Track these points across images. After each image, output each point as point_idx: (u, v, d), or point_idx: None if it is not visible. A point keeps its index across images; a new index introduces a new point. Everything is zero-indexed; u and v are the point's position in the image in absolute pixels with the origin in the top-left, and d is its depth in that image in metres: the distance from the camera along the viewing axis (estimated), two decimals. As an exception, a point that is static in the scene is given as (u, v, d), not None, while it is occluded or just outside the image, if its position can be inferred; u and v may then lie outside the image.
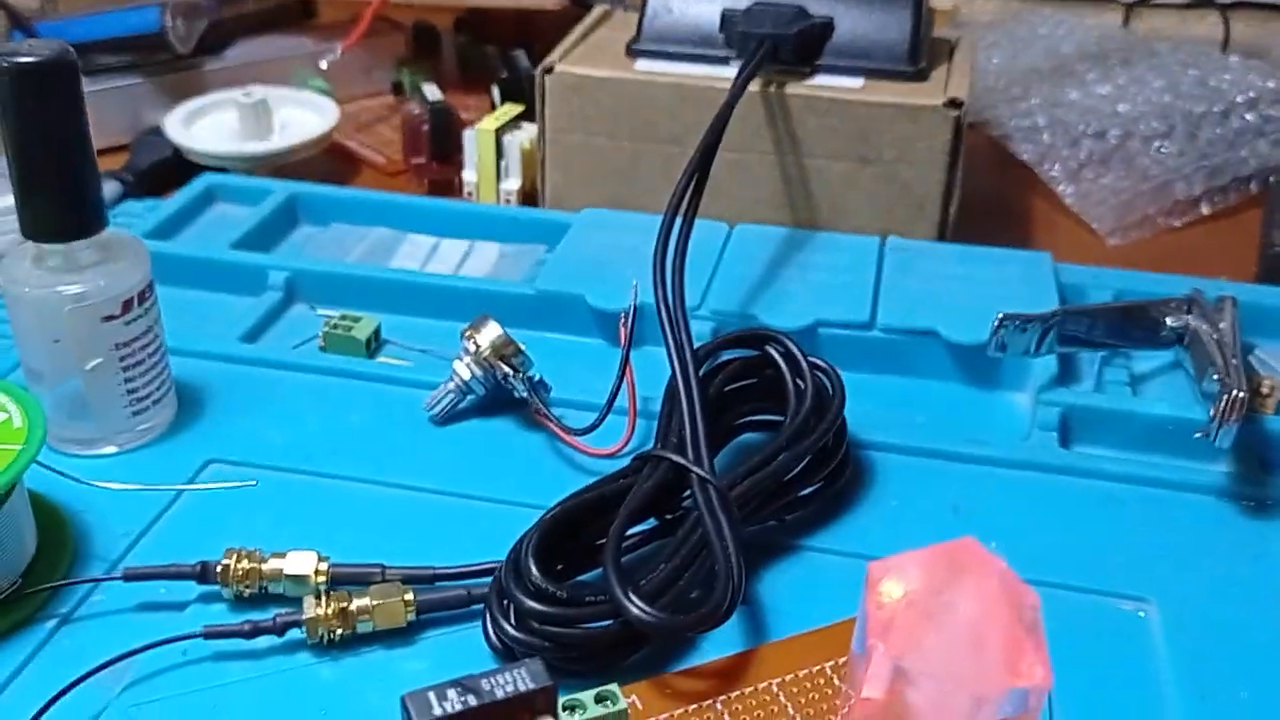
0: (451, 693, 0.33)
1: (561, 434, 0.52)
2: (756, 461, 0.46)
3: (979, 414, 0.55)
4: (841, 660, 0.40)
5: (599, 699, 0.36)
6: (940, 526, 0.48)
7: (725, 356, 0.51)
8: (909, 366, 0.57)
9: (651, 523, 0.46)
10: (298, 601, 0.42)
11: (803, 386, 0.49)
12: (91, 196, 0.48)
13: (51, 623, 0.43)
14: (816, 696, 0.39)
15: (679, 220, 0.55)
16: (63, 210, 0.47)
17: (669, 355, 0.48)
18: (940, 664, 0.27)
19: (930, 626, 0.27)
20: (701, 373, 0.49)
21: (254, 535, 0.45)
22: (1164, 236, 0.75)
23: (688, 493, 0.45)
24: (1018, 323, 0.52)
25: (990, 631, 0.27)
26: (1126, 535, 0.48)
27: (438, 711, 0.32)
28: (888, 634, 0.27)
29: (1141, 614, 0.44)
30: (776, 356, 0.50)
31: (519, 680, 0.33)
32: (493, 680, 0.33)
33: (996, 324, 0.52)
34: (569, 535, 0.43)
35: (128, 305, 0.49)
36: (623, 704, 0.36)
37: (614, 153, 0.68)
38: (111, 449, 0.51)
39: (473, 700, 0.32)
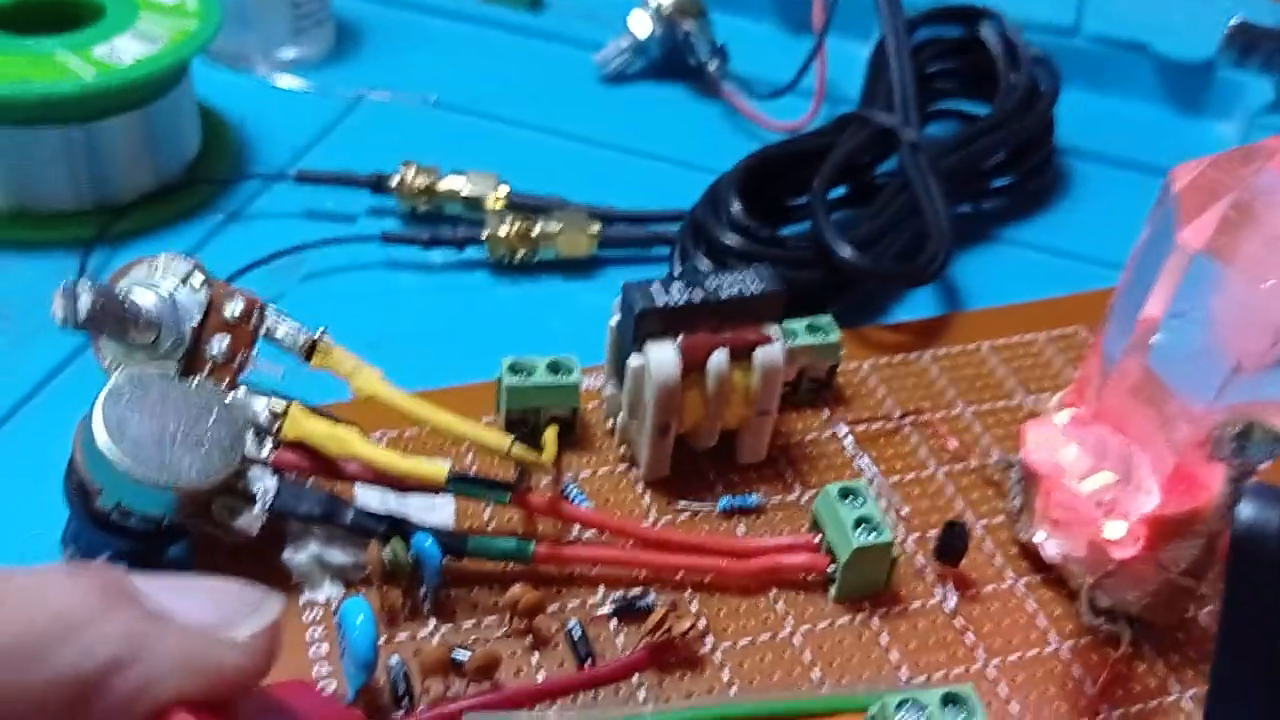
0: (676, 285, 0.31)
1: (741, 102, 0.48)
2: (960, 138, 0.43)
3: (1183, 139, 0.51)
4: (1056, 332, 0.38)
5: (812, 329, 0.34)
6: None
7: (932, 35, 0.47)
8: (1111, 82, 0.53)
9: (843, 191, 0.43)
10: (478, 223, 0.40)
11: (1015, 79, 0.45)
12: None
13: (219, 218, 0.41)
14: (1030, 363, 0.37)
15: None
16: None
17: (881, 14, 0.44)
18: (1258, 263, 0.24)
19: (1251, 224, 0.24)
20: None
21: (425, 161, 0.42)
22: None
23: (882, 168, 0.43)
24: (1252, 34, 0.47)
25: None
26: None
27: (661, 300, 0.30)
28: (1196, 231, 0.24)
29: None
30: (992, 38, 0.46)
31: (748, 282, 0.31)
32: (719, 279, 0.31)
33: (1230, 32, 0.47)
34: (764, 185, 0.41)
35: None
36: (837, 335, 0.34)
37: None
38: (264, 72, 0.48)
39: (698, 294, 0.30)
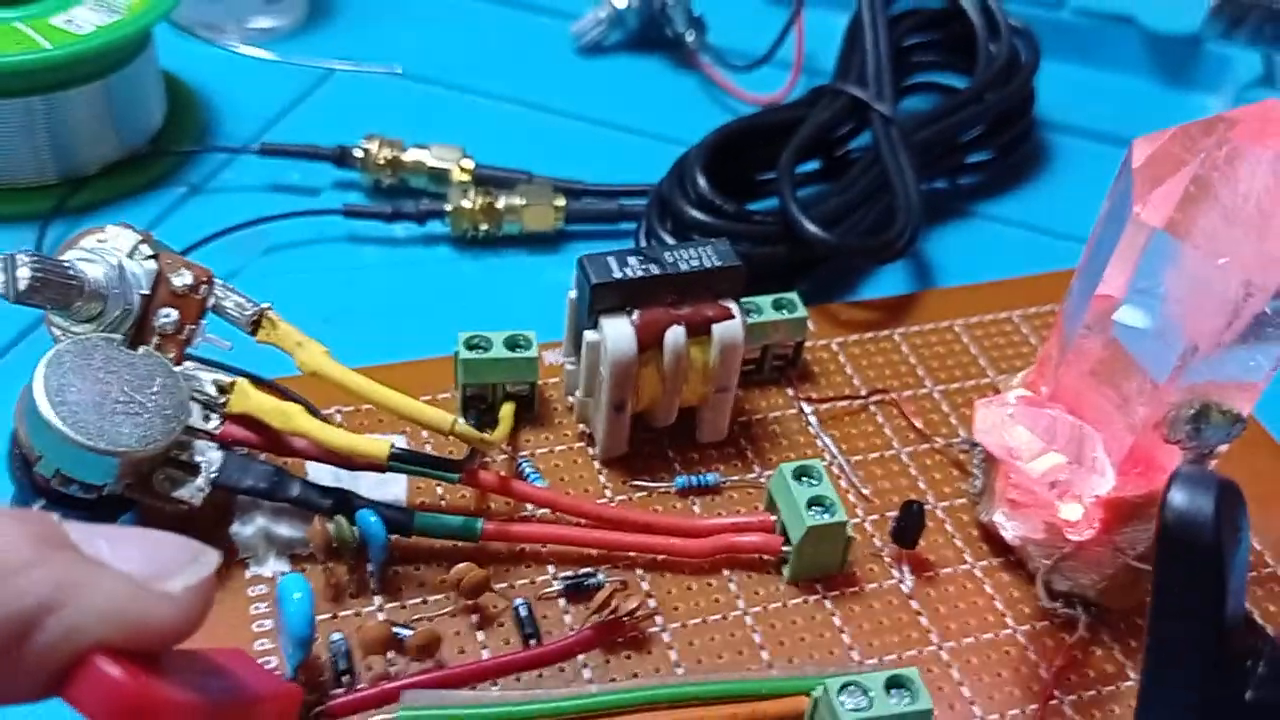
0: (633, 259, 0.30)
1: (717, 74, 0.48)
2: (937, 111, 0.42)
3: (1169, 112, 0.50)
4: (1030, 310, 0.38)
5: (778, 305, 0.34)
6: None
7: (913, 6, 0.46)
8: (1097, 54, 0.52)
9: (815, 166, 0.42)
10: (442, 196, 0.40)
11: (995, 49, 0.44)
12: None
13: (182, 189, 0.41)
14: (1003, 342, 0.37)
15: None
16: None
17: (856, -16, 0.43)
18: (1213, 239, 0.23)
19: (1208, 199, 0.24)
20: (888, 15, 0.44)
21: (393, 133, 0.42)
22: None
23: (855, 143, 0.42)
24: (1239, 6, 0.47)
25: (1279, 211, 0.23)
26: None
27: (617, 274, 0.30)
28: (1153, 206, 0.24)
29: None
30: (972, 9, 0.45)
31: (705, 256, 0.30)
32: (676, 254, 0.30)
33: (1216, 4, 0.46)
34: (733, 159, 0.40)
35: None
36: (803, 312, 0.34)
37: None
38: (235, 41, 0.48)
39: (655, 269, 0.30)
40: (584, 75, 0.49)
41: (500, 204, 0.39)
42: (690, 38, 0.48)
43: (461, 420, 0.28)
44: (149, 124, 0.42)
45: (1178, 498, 0.19)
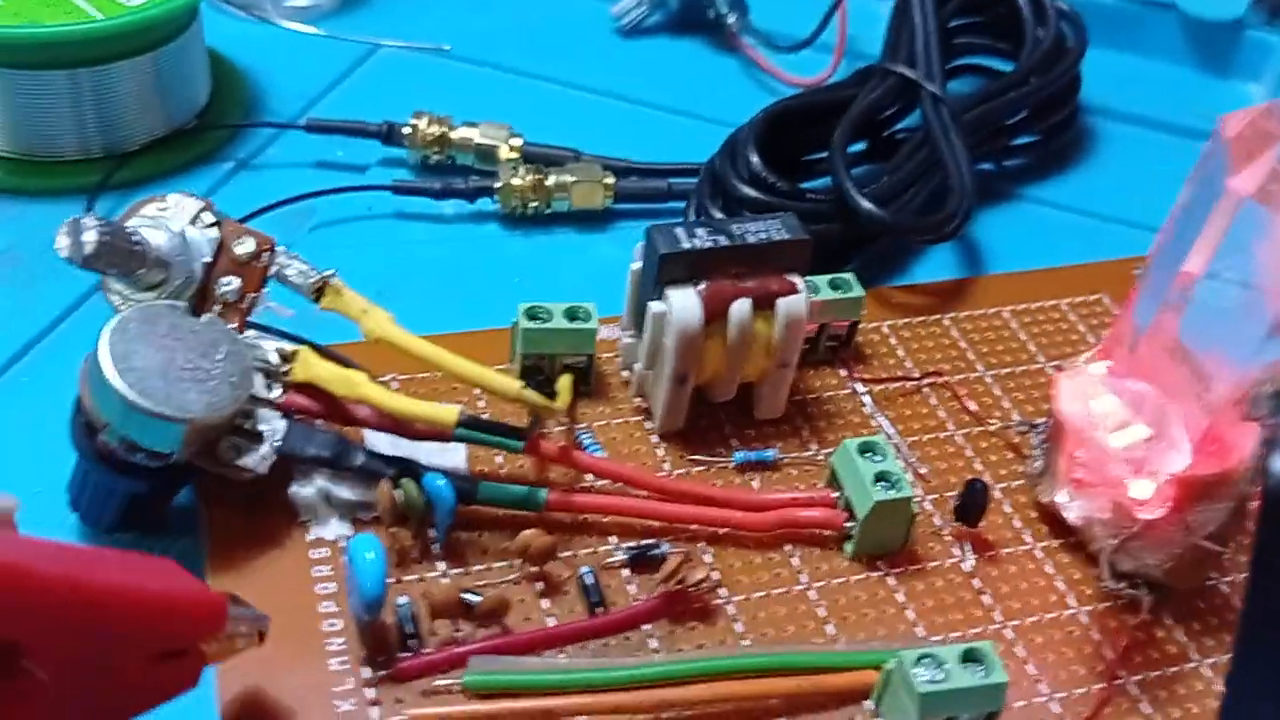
0: (701, 230, 0.30)
1: (758, 56, 0.48)
2: (983, 93, 0.42)
3: (1208, 99, 0.50)
4: (1078, 299, 0.37)
5: (834, 284, 0.34)
6: (1168, 195, 0.45)
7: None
8: (1136, 40, 0.51)
9: (862, 146, 0.42)
10: (491, 174, 0.40)
11: (1042, 33, 0.44)
12: None
13: (229, 165, 0.41)
14: (1052, 329, 0.36)
15: None
16: None
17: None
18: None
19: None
20: (932, -2, 0.44)
21: (438, 112, 0.42)
22: None
23: (902, 124, 0.42)
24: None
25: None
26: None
27: (685, 245, 0.29)
28: (1245, 178, 0.24)
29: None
30: (1017, -9, 0.45)
31: (773, 230, 0.30)
32: (744, 226, 0.30)
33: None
34: (783, 138, 0.40)
35: None
36: (859, 291, 0.34)
37: None
38: (273, 18, 0.47)
39: (723, 240, 0.30)
40: (626, 56, 0.49)
41: (550, 181, 0.39)
42: (732, 19, 0.48)
43: (527, 387, 0.28)
44: (195, 100, 0.42)
45: (1278, 464, 0.18)
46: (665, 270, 0.29)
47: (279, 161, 0.41)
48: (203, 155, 0.41)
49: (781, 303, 0.30)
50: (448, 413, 0.27)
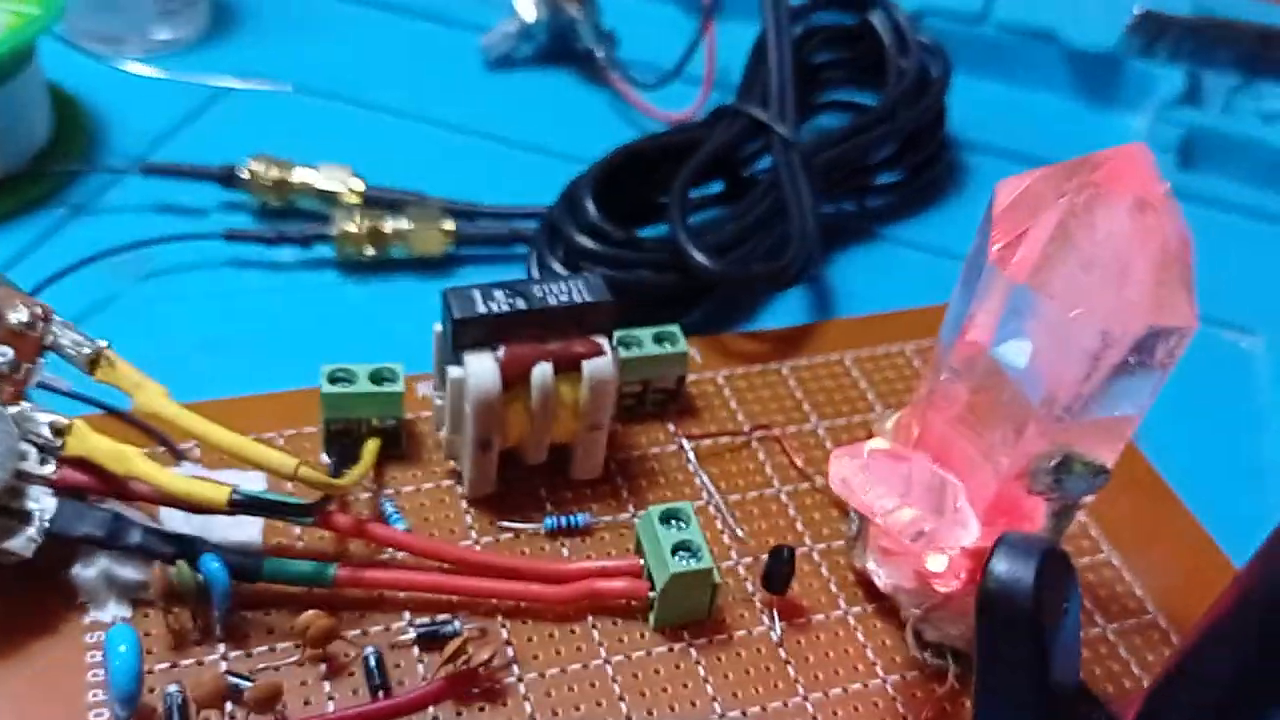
0: (499, 293, 0.29)
1: (626, 90, 0.47)
2: (843, 132, 0.41)
3: (1090, 130, 0.50)
4: (926, 342, 0.37)
5: (658, 339, 0.33)
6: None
7: (822, 22, 0.45)
8: (1019, 71, 0.51)
9: (717, 189, 0.41)
10: (327, 219, 0.39)
11: (905, 64, 0.43)
12: None
13: (62, 210, 0.39)
14: (893, 375, 0.36)
15: None
16: None
17: (762, 2, 0.42)
18: (1070, 289, 0.23)
19: (1065, 247, 0.23)
20: (795, 34, 0.43)
21: (284, 154, 0.40)
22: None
23: (760, 164, 0.41)
24: (1157, 23, 0.46)
25: (1138, 260, 0.22)
26: (1239, 268, 0.43)
27: (481, 309, 0.29)
28: (1011, 253, 0.23)
29: (1244, 345, 0.40)
30: (880, 27, 0.44)
31: (575, 291, 0.29)
32: (545, 288, 0.29)
33: (1134, 20, 0.46)
34: (629, 182, 0.39)
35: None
36: (683, 346, 0.33)
37: None
38: (134, 55, 0.46)
39: (521, 303, 0.29)
40: (492, 90, 0.48)
41: (387, 227, 0.38)
42: (600, 53, 0.47)
43: (305, 465, 0.27)
44: (32, 142, 0.40)
45: (998, 566, 0.18)
46: (461, 334, 0.28)
47: (116, 206, 0.40)
48: (39, 199, 0.40)
49: (587, 365, 0.29)
50: (219, 491, 0.26)
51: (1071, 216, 0.23)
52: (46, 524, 0.26)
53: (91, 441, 0.27)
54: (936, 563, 0.26)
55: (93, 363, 0.27)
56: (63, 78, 0.43)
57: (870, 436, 0.30)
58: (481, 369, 0.29)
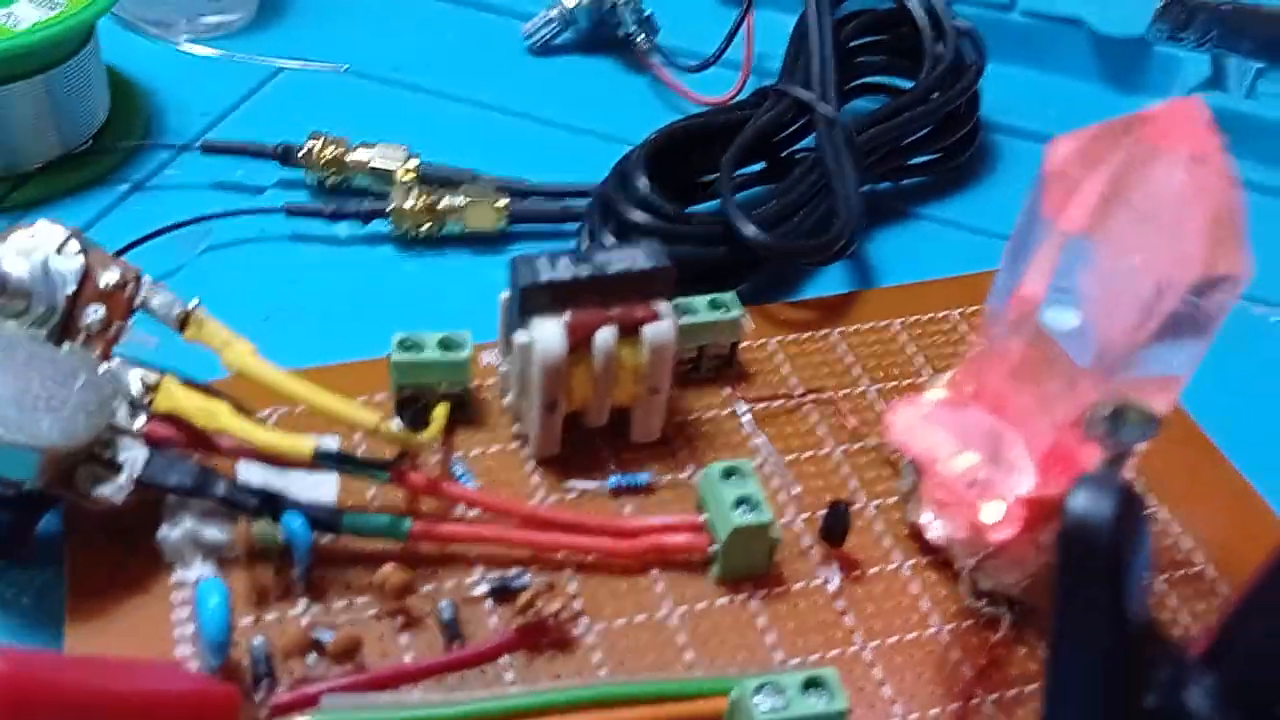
0: (563, 260, 0.30)
1: (666, 75, 0.48)
2: (882, 112, 0.42)
3: (1116, 115, 0.51)
4: (971, 309, 0.38)
5: (714, 305, 0.34)
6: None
7: (860, 6, 0.46)
8: (1046, 58, 0.52)
9: (758, 167, 0.42)
10: (385, 196, 0.40)
11: (942, 49, 0.45)
12: None
13: (124, 186, 0.41)
14: (940, 339, 0.37)
15: None
16: None
17: (803, -14, 0.43)
18: (1125, 240, 0.24)
19: (1122, 200, 0.24)
20: (835, 17, 0.44)
21: (339, 133, 0.42)
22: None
23: (801, 143, 0.42)
24: (1184, 10, 0.47)
25: (1193, 212, 0.23)
26: (1264, 246, 0.44)
27: (546, 276, 0.30)
28: (1066, 207, 0.24)
29: (1274, 319, 0.41)
30: (918, 10, 0.45)
31: (636, 258, 0.30)
32: (608, 255, 0.30)
33: (1161, 7, 0.47)
34: (676, 161, 0.40)
35: None
36: (738, 311, 0.34)
37: None
38: (185, 37, 0.48)
39: (585, 270, 0.30)
40: (535, 75, 0.49)
41: (442, 204, 0.39)
42: (639, 38, 0.48)
43: (388, 421, 0.28)
44: (92, 120, 0.42)
45: (1079, 501, 0.19)
46: (527, 301, 0.30)
47: (175, 183, 0.41)
48: (98, 177, 0.41)
49: (647, 330, 0.30)
50: (303, 445, 0.27)
51: (1128, 170, 0.24)
52: (137, 473, 0.27)
53: (179, 397, 0.28)
54: (992, 511, 0.27)
55: (183, 321, 0.29)
56: (119, 59, 0.45)
57: (912, 396, 0.31)
58: (548, 333, 0.30)
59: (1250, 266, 0.24)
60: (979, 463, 0.25)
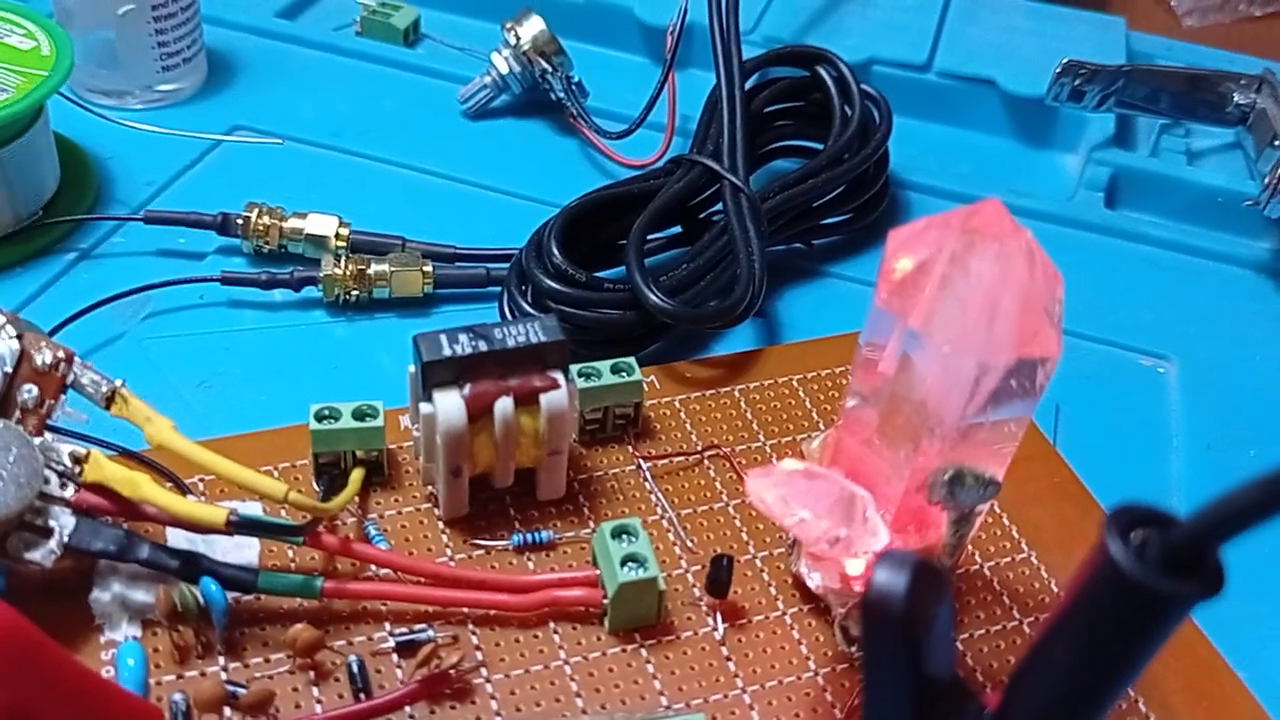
0: (464, 337, 0.32)
1: (594, 139, 0.50)
2: (791, 178, 0.45)
3: (1027, 170, 0.54)
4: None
5: (615, 369, 0.36)
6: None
7: (773, 74, 0.49)
8: (961, 115, 0.55)
9: (675, 230, 0.45)
10: (316, 263, 0.42)
11: (850, 113, 0.47)
12: None
13: (71, 255, 0.43)
14: (836, 395, 0.39)
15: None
16: None
17: (715, 60, 0.46)
18: (949, 329, 0.26)
19: (943, 290, 0.26)
20: (747, 87, 0.47)
21: (277, 200, 0.44)
22: (1243, 25, 0.71)
23: (716, 206, 0.45)
24: (1082, 72, 0.50)
25: (1005, 300, 0.26)
26: (1158, 297, 0.47)
27: (447, 352, 0.32)
28: (898, 298, 0.27)
29: (1161, 370, 0.44)
30: (826, 78, 0.48)
31: (532, 332, 0.33)
32: (506, 330, 0.33)
33: (1060, 70, 0.49)
34: (593, 227, 0.43)
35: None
36: (638, 375, 0.36)
37: None
38: (138, 105, 0.50)
39: (483, 345, 0.32)
40: (471, 139, 0.51)
41: (371, 270, 0.41)
42: (570, 104, 0.51)
43: (294, 491, 0.30)
44: (41, 193, 0.44)
45: (877, 575, 0.21)
46: (430, 375, 0.32)
47: (121, 250, 0.44)
48: (48, 246, 0.43)
49: (544, 398, 0.33)
50: (217, 513, 0.30)
51: (952, 260, 0.27)
52: (65, 538, 0.30)
53: (106, 469, 0.30)
54: (855, 566, 0.30)
55: (109, 399, 0.31)
56: (69, 129, 0.47)
57: (802, 455, 0.34)
58: (449, 406, 0.32)
59: (1059, 348, 0.26)
60: (832, 526, 0.28)
